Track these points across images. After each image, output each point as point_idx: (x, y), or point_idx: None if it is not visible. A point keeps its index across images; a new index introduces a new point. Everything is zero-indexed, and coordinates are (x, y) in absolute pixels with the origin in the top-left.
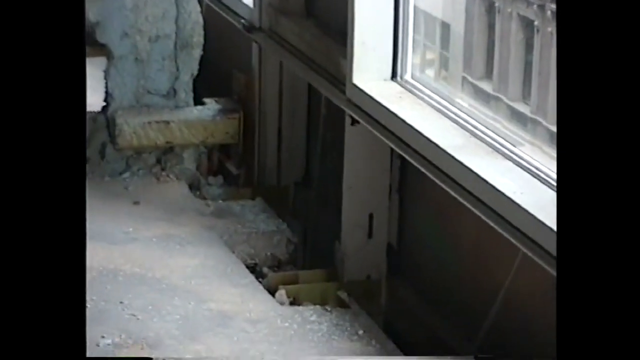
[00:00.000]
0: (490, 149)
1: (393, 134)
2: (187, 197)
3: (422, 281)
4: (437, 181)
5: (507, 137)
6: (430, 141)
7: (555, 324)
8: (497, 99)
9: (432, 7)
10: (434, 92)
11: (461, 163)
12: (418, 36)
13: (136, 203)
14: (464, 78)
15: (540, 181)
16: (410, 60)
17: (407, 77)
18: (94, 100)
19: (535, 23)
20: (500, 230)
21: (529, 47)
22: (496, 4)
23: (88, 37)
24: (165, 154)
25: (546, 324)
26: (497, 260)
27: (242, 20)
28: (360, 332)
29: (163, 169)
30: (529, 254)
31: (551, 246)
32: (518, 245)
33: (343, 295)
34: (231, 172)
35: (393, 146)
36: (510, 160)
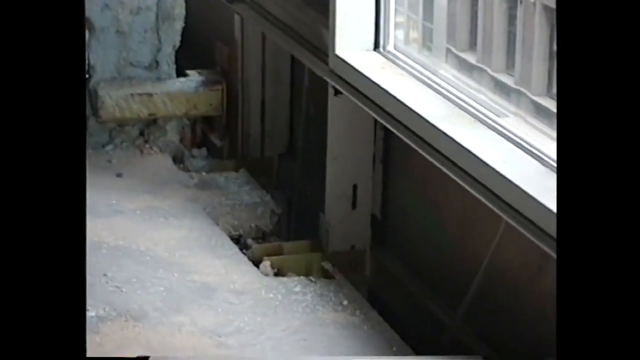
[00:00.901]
0: (473, 119)
1: (376, 104)
2: (171, 170)
3: (406, 251)
4: (420, 151)
5: (491, 108)
6: (414, 112)
7: (542, 305)
8: (481, 70)
9: None
10: (417, 63)
11: (444, 133)
12: (401, 7)
13: (119, 175)
14: (448, 50)
15: (524, 151)
16: (393, 31)
17: (390, 48)
18: None
19: None
20: (483, 200)
21: (512, 17)
22: None
23: None
24: (149, 127)
25: (529, 293)
26: (480, 230)
27: None
28: (345, 302)
29: (146, 142)
30: (512, 223)
31: (533, 214)
32: (501, 214)
33: (327, 266)
34: (215, 144)
35: (376, 117)
36: (493, 130)
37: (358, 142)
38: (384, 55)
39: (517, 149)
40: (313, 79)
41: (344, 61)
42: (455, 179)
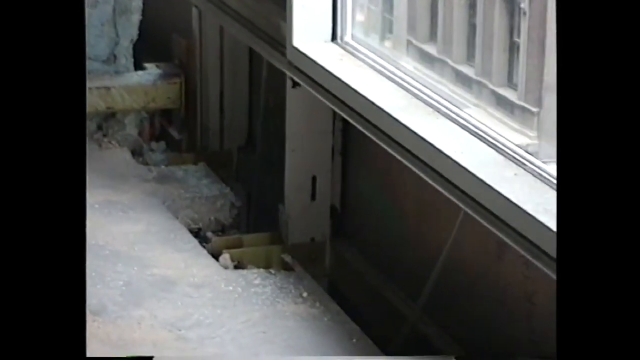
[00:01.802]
0: (432, 110)
1: (334, 96)
2: (130, 163)
3: (365, 242)
4: (379, 142)
5: (451, 99)
6: (372, 103)
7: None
8: (442, 61)
9: None
10: (375, 54)
11: (402, 124)
12: None
13: None
14: (408, 41)
15: (482, 141)
16: (351, 22)
17: (348, 39)
18: None
19: None
20: (441, 190)
21: (472, 8)
22: None
23: None
24: (107, 120)
25: (488, 282)
26: (439, 220)
27: None
28: (305, 294)
29: (105, 135)
30: (471, 212)
31: (491, 204)
32: (459, 204)
33: (287, 258)
34: (173, 137)
35: (334, 108)
36: (452, 121)
37: (317, 134)
38: (342, 47)
39: (475, 139)
40: (271, 71)
41: (301, 53)
42: (414, 169)
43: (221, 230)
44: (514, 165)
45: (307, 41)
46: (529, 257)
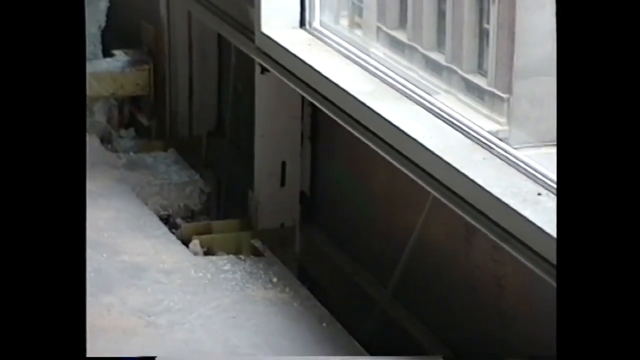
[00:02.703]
0: (400, 95)
1: (303, 81)
2: (99, 151)
3: (335, 227)
4: (347, 127)
5: (422, 85)
6: (340, 88)
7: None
8: (412, 48)
9: None
10: (345, 41)
11: (371, 109)
12: None
13: None
14: (378, 28)
15: (450, 125)
16: (319, 8)
17: (316, 24)
18: None
19: None
20: (410, 175)
21: None
22: None
23: None
24: None
25: (457, 266)
26: (408, 204)
27: None
28: (275, 279)
29: None
30: (439, 196)
31: (460, 188)
32: (428, 188)
33: (257, 243)
34: (142, 124)
35: (303, 94)
36: (420, 105)
37: (286, 120)
38: (310, 33)
39: (443, 123)
40: (240, 57)
41: (270, 39)
42: (383, 154)
43: (191, 216)
44: (482, 149)
45: (275, 27)
46: (497, 240)
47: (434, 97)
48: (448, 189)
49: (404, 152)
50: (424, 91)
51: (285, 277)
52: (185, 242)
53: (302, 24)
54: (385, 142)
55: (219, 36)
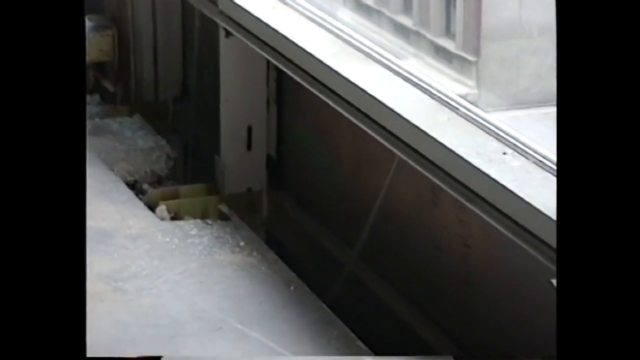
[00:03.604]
0: (365, 57)
1: (268, 45)
2: None
3: (302, 191)
4: (313, 90)
5: (389, 49)
6: (305, 51)
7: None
8: (379, 12)
9: None
10: (309, 3)
11: (336, 71)
12: None
13: None
14: None
15: (415, 87)
16: None
17: None
18: None
19: None
20: (376, 136)
21: None
22: None
23: None
24: None
25: (423, 227)
26: (374, 167)
27: None
28: (242, 243)
29: None
30: (405, 158)
31: (424, 149)
32: (394, 150)
33: (224, 208)
34: (107, 89)
35: (268, 57)
36: (385, 67)
37: (251, 84)
38: None
39: (409, 85)
40: (204, 22)
41: (233, 2)
42: (348, 116)
43: (157, 182)
44: (447, 110)
45: None
46: (463, 200)
47: (402, 61)
48: (414, 150)
49: (370, 114)
50: (391, 54)
51: (253, 241)
52: (152, 208)
53: None
54: (351, 105)
55: (183, 0)
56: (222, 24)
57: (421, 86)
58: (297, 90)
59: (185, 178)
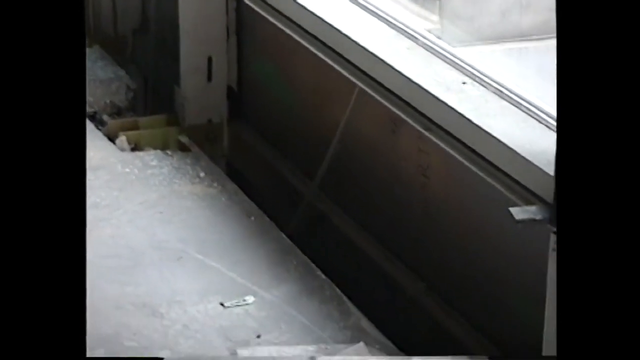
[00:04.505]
0: None
1: None
2: None
3: (263, 122)
4: (273, 20)
5: None
6: None
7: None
8: None
9: None
10: None
11: (295, 1)
12: None
13: None
14: None
15: (376, 17)
16: None
17: None
18: None
19: None
20: (335, 66)
21: None
22: None
23: None
24: None
25: (383, 157)
26: (335, 97)
27: None
28: (202, 174)
29: None
30: (365, 88)
31: (384, 78)
32: (353, 80)
33: (184, 139)
34: None
35: None
36: None
37: (211, 14)
38: None
39: (368, 15)
40: None
41: None
42: (308, 46)
43: (117, 113)
44: (406, 39)
45: None
46: (422, 130)
47: None
48: (373, 80)
49: (329, 44)
50: None
51: (213, 172)
52: (112, 139)
53: None
54: (310, 34)
55: None
56: None
57: (381, 17)
58: (257, 20)
59: (145, 109)
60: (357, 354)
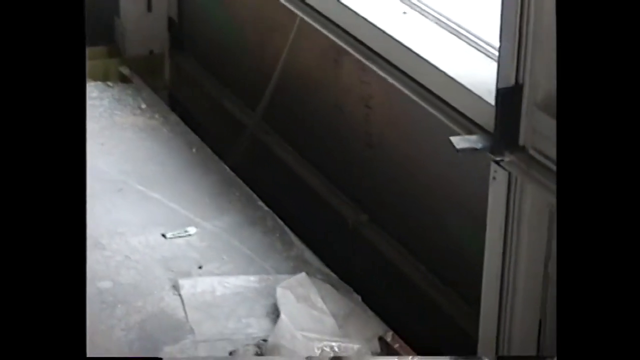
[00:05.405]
0: None
1: None
2: None
3: (204, 53)
4: None
5: None
6: None
7: None
8: None
9: None
10: None
11: None
12: None
13: None
14: None
15: None
16: None
17: None
18: None
19: None
20: None
21: None
22: None
23: None
24: None
25: (326, 88)
26: (277, 28)
27: None
28: (143, 106)
29: None
30: (307, 18)
31: (325, 9)
32: (295, 10)
33: (125, 70)
34: None
35: None
36: None
37: None
38: None
39: None
40: None
41: None
42: None
43: None
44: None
45: None
46: (364, 61)
47: None
48: (315, 10)
49: None
50: None
51: (155, 104)
52: None
53: None
54: None
55: None
56: None
57: None
58: None
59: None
60: (300, 284)
